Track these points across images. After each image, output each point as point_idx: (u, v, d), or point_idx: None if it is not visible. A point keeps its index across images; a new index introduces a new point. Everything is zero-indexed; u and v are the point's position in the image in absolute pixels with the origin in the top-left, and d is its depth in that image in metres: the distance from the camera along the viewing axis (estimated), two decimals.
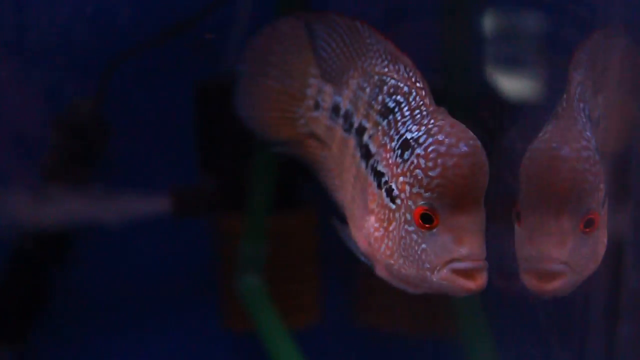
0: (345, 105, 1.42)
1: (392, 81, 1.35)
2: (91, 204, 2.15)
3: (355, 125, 1.38)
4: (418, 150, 1.23)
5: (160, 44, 2.14)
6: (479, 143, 1.22)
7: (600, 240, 1.27)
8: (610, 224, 1.30)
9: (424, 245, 1.22)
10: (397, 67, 1.36)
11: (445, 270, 1.20)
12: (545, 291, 1.23)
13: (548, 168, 1.23)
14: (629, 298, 1.15)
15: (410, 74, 1.34)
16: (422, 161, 1.22)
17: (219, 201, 2.21)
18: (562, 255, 1.21)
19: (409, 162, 1.24)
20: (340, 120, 1.43)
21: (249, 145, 2.10)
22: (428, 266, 1.21)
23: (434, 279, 1.21)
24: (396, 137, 1.29)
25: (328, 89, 1.46)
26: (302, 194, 2.28)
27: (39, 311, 2.29)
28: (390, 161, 1.28)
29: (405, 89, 1.33)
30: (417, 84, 1.32)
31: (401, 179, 1.24)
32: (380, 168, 1.30)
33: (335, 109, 1.44)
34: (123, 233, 2.18)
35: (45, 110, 2.11)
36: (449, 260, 1.20)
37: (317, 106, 1.48)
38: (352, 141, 1.39)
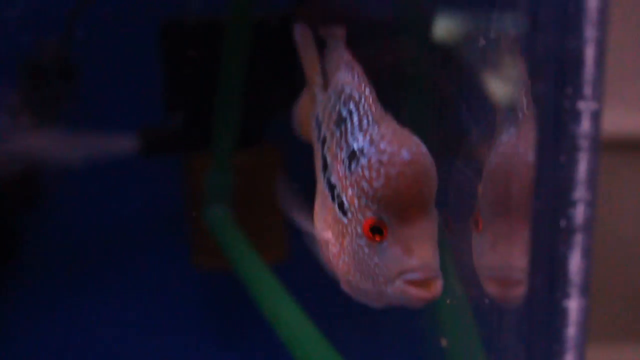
0: (320, 114, 1.40)
1: (348, 89, 1.32)
2: (58, 145, 2.15)
3: (321, 136, 1.36)
4: (362, 161, 1.21)
5: None
6: (423, 149, 1.19)
7: None
8: None
9: (376, 259, 1.20)
10: (352, 74, 1.34)
11: (397, 283, 1.18)
12: (510, 298, 1.22)
13: (513, 175, 1.22)
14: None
15: (360, 80, 1.32)
16: (366, 172, 1.19)
17: (186, 139, 2.23)
18: (524, 263, 1.18)
19: (355, 174, 1.22)
20: (316, 128, 1.41)
21: (213, 85, 2.13)
22: (382, 279, 1.20)
23: (390, 292, 1.19)
24: (345, 148, 1.26)
25: (319, 97, 1.44)
26: (267, 133, 2.30)
27: (5, 254, 2.32)
28: (340, 173, 1.26)
29: (356, 96, 1.30)
30: (366, 90, 1.30)
31: (350, 191, 1.22)
32: (333, 180, 1.28)
33: (317, 117, 1.42)
34: (90, 174, 2.20)
35: (10, 50, 2.12)
36: (401, 272, 1.18)
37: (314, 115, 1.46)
38: (319, 152, 1.36)
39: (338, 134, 1.29)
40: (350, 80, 1.33)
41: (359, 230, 1.21)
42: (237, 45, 2.10)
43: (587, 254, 1.10)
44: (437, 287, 1.17)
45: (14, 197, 2.25)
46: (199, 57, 2.16)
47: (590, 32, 1.03)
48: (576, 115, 1.05)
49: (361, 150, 1.22)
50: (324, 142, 1.34)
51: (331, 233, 1.27)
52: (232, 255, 2.04)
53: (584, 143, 1.06)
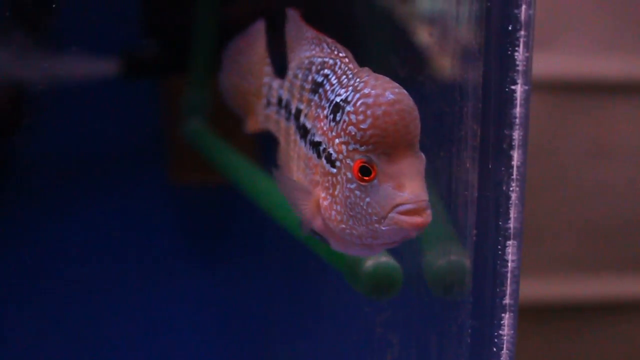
0: (285, 95, 1.46)
1: (318, 59, 1.38)
2: (40, 68, 2.20)
3: (293, 111, 1.42)
4: (348, 108, 1.25)
5: None
6: (404, 91, 1.24)
7: None
8: None
9: (368, 199, 1.24)
10: (321, 46, 1.40)
11: (390, 216, 1.22)
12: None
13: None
14: None
15: (333, 47, 1.37)
16: (352, 117, 1.24)
17: (165, 62, 2.32)
18: None
19: (341, 122, 1.26)
20: (282, 111, 1.47)
21: (191, 9, 2.22)
22: (375, 218, 1.24)
23: (384, 229, 1.24)
24: (327, 105, 1.31)
25: (275, 84, 1.51)
26: None
27: None
28: (324, 128, 1.30)
29: (330, 62, 1.36)
30: (340, 54, 1.36)
31: (337, 141, 1.27)
32: (317, 139, 1.32)
33: (280, 102, 1.48)
34: (73, 96, 2.26)
35: None
36: (394, 206, 1.22)
37: (268, 103, 1.53)
38: (292, 127, 1.41)
39: (317, 98, 1.35)
40: (318, 52, 1.39)
41: (349, 175, 1.25)
42: None
43: None
44: (428, 214, 1.23)
45: None
46: None
47: None
48: None
49: (345, 100, 1.27)
50: (297, 115, 1.40)
51: (319, 189, 1.31)
52: (212, 155, 2.14)
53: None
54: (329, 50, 1.38)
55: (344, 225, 1.28)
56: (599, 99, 3.32)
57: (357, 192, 1.25)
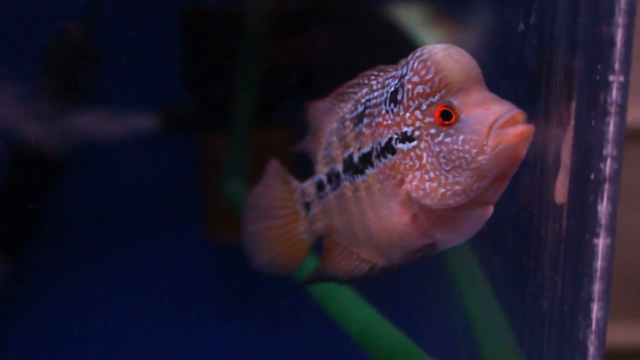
0: (323, 171, 1.44)
1: (349, 105, 1.38)
2: (83, 124, 2.23)
3: (341, 169, 1.39)
4: (407, 77, 1.24)
5: None
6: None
7: None
8: None
9: (461, 137, 1.19)
10: (346, 100, 1.39)
11: (492, 136, 1.17)
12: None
13: None
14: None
15: (361, 81, 1.37)
16: (416, 78, 1.23)
17: (205, 119, 2.33)
18: None
19: (404, 96, 1.25)
20: (327, 187, 1.44)
21: (232, 67, 2.23)
22: (476, 151, 1.18)
23: (489, 157, 1.17)
24: (378, 109, 1.30)
25: (307, 182, 1.48)
26: (280, 112, 2.38)
27: (32, 228, 2.37)
28: (388, 122, 1.28)
29: (365, 90, 1.35)
30: (372, 76, 1.35)
31: (407, 114, 1.25)
32: (384, 141, 1.29)
33: (320, 186, 1.46)
34: (114, 152, 2.28)
35: (40, 34, 2.17)
36: (491, 124, 1.17)
37: (307, 207, 1.48)
38: (346, 183, 1.39)
39: (366, 120, 1.33)
40: (345, 105, 1.38)
41: (433, 130, 1.22)
42: (256, 32, 2.19)
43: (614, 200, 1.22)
44: (529, 125, 1.17)
45: (41, 172, 2.31)
46: (219, 42, 2.26)
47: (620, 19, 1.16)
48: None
49: (400, 78, 1.26)
50: (349, 161, 1.37)
51: (407, 177, 1.26)
52: None
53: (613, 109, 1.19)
54: (357, 90, 1.37)
55: (443, 190, 1.22)
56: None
57: (448, 139, 1.21)
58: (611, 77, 1.18)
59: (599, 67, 1.18)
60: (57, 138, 2.24)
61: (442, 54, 1.21)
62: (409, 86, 1.23)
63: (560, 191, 1.37)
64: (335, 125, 1.40)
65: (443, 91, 1.21)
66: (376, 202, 1.33)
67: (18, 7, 2.11)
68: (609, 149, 1.21)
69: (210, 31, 2.27)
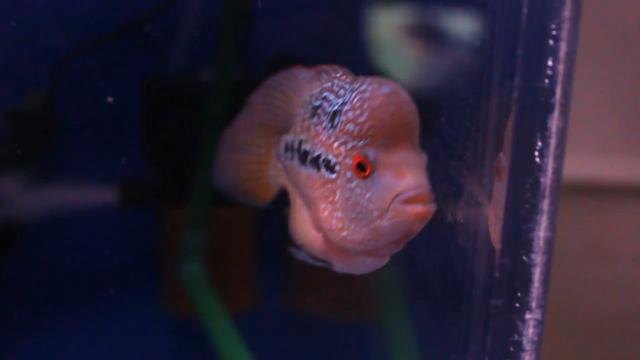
0: (289, 139, 1.44)
1: (317, 89, 1.38)
2: (40, 194, 2.21)
3: (296, 146, 1.40)
4: (346, 108, 1.23)
5: (109, 42, 2.21)
6: (401, 88, 1.23)
7: None
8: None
9: (368, 194, 1.21)
10: (320, 79, 1.39)
11: (392, 207, 1.19)
12: None
13: None
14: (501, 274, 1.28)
15: (331, 72, 1.37)
16: (350, 114, 1.22)
17: (164, 193, 2.29)
18: None
19: (339, 124, 1.25)
20: (289, 154, 1.44)
21: (193, 141, 2.21)
22: (376, 214, 1.20)
23: (386, 224, 1.20)
24: (325, 117, 1.30)
25: (282, 137, 1.47)
26: None
27: None
28: (323, 138, 1.29)
29: (328, 84, 1.35)
30: (337, 74, 1.35)
31: (335, 144, 1.25)
32: (316, 153, 1.30)
33: (286, 147, 1.45)
34: (70, 223, 2.25)
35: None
36: (395, 195, 1.19)
37: (278, 157, 1.49)
38: (296, 163, 1.39)
39: (316, 118, 1.33)
40: (318, 85, 1.38)
41: (349, 174, 1.23)
42: (219, 103, 2.16)
43: None
44: (432, 205, 1.19)
45: None
46: (181, 113, 2.24)
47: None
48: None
49: (343, 103, 1.26)
50: (299, 147, 1.37)
51: (319, 202, 1.28)
52: (201, 311, 2.12)
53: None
54: (327, 77, 1.37)
55: (345, 232, 1.24)
56: (601, 200, 3.30)
57: (358, 190, 1.22)
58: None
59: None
60: (15, 208, 2.20)
61: (380, 101, 1.21)
62: (344, 118, 1.25)
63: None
64: (307, 99, 1.40)
65: (368, 139, 1.22)
66: (304, 196, 1.34)
67: None
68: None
69: (170, 104, 2.25)
